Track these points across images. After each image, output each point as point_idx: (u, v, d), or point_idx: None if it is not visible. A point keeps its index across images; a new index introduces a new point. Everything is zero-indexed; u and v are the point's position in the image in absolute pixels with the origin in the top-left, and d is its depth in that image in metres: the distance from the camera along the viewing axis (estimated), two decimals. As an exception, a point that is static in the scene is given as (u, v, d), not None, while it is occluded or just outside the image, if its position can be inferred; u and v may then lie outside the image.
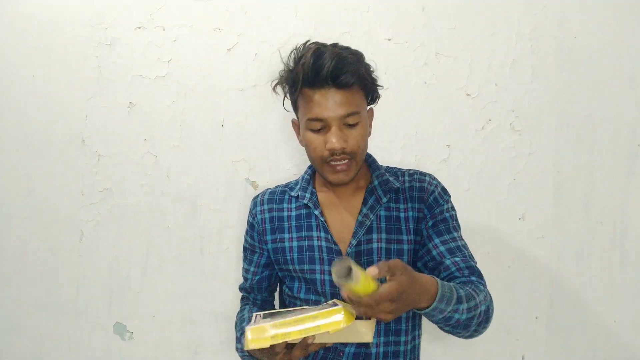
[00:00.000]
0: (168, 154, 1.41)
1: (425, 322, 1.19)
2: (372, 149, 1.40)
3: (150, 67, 1.41)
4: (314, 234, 1.08)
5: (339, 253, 1.05)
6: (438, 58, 1.41)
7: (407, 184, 1.10)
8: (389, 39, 1.40)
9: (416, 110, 1.41)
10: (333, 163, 1.01)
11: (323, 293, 1.05)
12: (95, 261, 1.43)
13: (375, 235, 1.06)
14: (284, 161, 1.41)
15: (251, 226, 1.16)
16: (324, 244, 1.06)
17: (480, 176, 1.42)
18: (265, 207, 1.14)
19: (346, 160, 1.01)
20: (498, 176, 1.42)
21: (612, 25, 1.42)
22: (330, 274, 1.02)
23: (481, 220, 1.42)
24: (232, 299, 1.41)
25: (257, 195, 1.18)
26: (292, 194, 1.13)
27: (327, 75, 0.96)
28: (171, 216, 1.42)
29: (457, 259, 1.02)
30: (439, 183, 1.11)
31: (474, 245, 1.42)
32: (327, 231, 1.07)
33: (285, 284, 1.13)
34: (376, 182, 1.10)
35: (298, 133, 1.10)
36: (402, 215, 1.08)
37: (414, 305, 0.82)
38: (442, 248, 1.04)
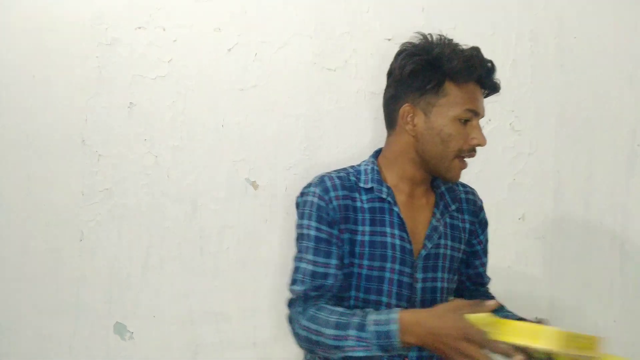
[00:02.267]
0: (168, 154, 1.42)
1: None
2: (372, 149, 1.40)
3: (151, 67, 1.41)
4: (387, 230, 1.03)
5: (411, 254, 1.03)
6: (438, 58, 1.41)
7: (462, 195, 1.14)
8: (389, 39, 1.40)
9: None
10: (464, 159, 1.03)
11: (388, 293, 1.02)
12: (96, 261, 1.43)
13: (443, 241, 1.07)
14: (284, 161, 1.42)
15: (326, 212, 1.03)
16: (397, 242, 1.03)
17: (480, 176, 1.42)
18: (340, 193, 1.04)
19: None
20: (498, 176, 1.42)
21: (612, 25, 1.42)
22: (399, 274, 1.02)
23: (481, 220, 1.42)
24: (233, 299, 1.41)
25: (323, 180, 1.06)
26: (363, 185, 1.06)
27: (493, 81, 1.03)
28: (171, 216, 1.42)
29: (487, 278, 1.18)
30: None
31: (474, 245, 1.42)
32: (403, 229, 1.03)
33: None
34: (443, 188, 1.12)
35: (410, 121, 1.03)
36: (461, 225, 1.11)
37: None
38: (486, 265, 1.16)
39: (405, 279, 1.03)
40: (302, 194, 1.08)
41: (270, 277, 1.43)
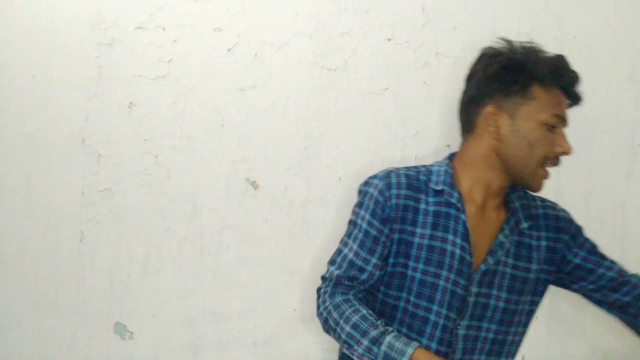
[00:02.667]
0: (168, 154, 1.41)
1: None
2: (372, 149, 1.40)
3: (151, 67, 1.41)
4: (449, 237, 1.00)
5: (469, 266, 1.00)
6: (438, 58, 1.41)
7: (540, 210, 1.09)
8: (389, 39, 1.40)
9: (416, 110, 1.41)
10: (547, 168, 1.00)
11: (440, 301, 0.99)
12: (96, 261, 1.43)
13: (504, 259, 1.02)
14: (284, 161, 1.41)
15: (382, 209, 1.01)
16: (458, 251, 1.00)
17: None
18: (403, 192, 1.02)
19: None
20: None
21: (612, 25, 1.42)
22: (453, 284, 0.99)
23: (481, 220, 1.42)
24: (233, 299, 1.41)
25: (390, 175, 1.04)
26: (433, 186, 1.03)
27: (577, 88, 1.01)
28: (171, 216, 1.42)
29: (632, 276, 1.09)
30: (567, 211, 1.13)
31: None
32: (466, 239, 1.00)
33: (385, 280, 1.04)
34: (517, 204, 1.06)
35: (494, 123, 1.00)
36: (534, 243, 1.06)
37: None
38: (616, 267, 1.09)
39: (459, 291, 1.00)
40: (366, 183, 1.07)
41: (270, 277, 1.43)
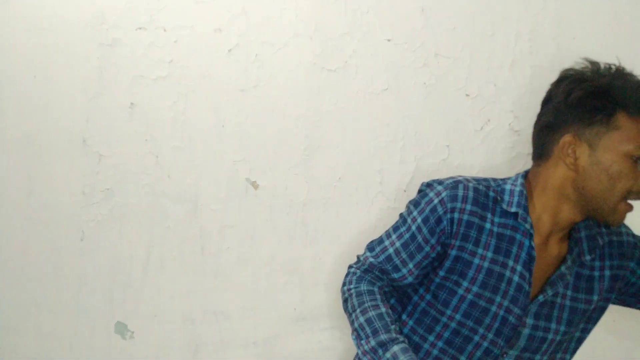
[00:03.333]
0: (169, 154, 1.42)
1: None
2: (372, 149, 1.40)
3: (152, 68, 1.41)
4: (510, 263, 0.95)
5: (527, 295, 0.95)
6: (437, 59, 1.41)
7: (605, 238, 1.02)
8: (389, 40, 1.41)
9: (416, 110, 1.42)
10: (630, 202, 0.92)
11: (488, 326, 0.96)
12: (96, 261, 1.43)
13: (562, 290, 0.98)
14: (284, 161, 1.42)
15: (437, 220, 0.96)
16: (516, 278, 0.95)
17: (479, 176, 1.42)
18: (468, 207, 0.96)
19: None
20: (498, 176, 1.42)
21: (611, 26, 1.43)
22: (506, 311, 0.95)
23: (481, 220, 1.42)
24: (233, 299, 1.41)
25: (458, 185, 0.98)
26: (506, 206, 0.96)
27: None
28: (172, 216, 1.42)
29: None
30: (630, 230, 1.06)
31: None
32: (528, 268, 0.95)
33: (431, 289, 1.00)
34: (583, 234, 1.00)
35: (572, 154, 0.93)
36: (596, 274, 1.01)
37: None
38: None
39: (512, 319, 0.96)
40: (429, 185, 1.03)
41: (270, 277, 1.43)
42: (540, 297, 0.96)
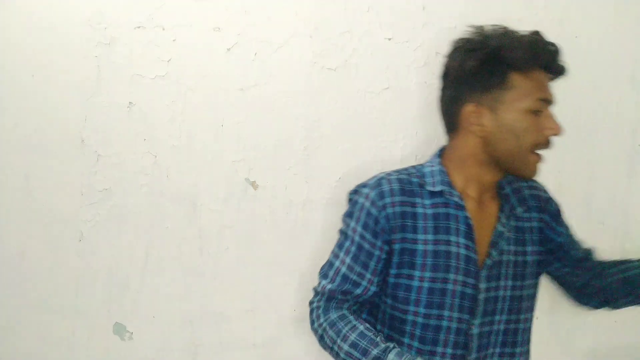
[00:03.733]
0: (168, 154, 1.41)
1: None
2: (372, 149, 1.40)
3: (150, 67, 1.40)
4: (452, 238, 0.97)
5: (475, 264, 0.97)
6: (438, 58, 1.40)
7: (526, 191, 1.07)
8: (389, 39, 1.40)
9: (416, 110, 1.41)
10: (539, 152, 0.96)
11: (451, 306, 0.96)
12: (95, 261, 1.43)
13: (506, 247, 1.01)
14: (284, 161, 1.41)
15: (375, 221, 0.97)
16: (462, 251, 0.97)
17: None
18: (397, 199, 0.97)
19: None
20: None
21: (613, 24, 1.42)
22: (462, 285, 0.96)
23: (481, 221, 1.42)
24: (232, 299, 1.41)
25: (381, 182, 1.00)
26: (430, 187, 0.99)
27: (559, 64, 0.98)
28: (171, 216, 1.41)
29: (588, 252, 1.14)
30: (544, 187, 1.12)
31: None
32: (470, 238, 0.97)
33: (389, 292, 1.00)
34: (509, 189, 1.05)
35: (476, 122, 0.97)
36: (527, 225, 1.04)
37: None
38: (581, 246, 1.13)
39: (469, 291, 0.97)
40: (356, 192, 1.03)
41: (270, 277, 1.42)
42: (488, 261, 0.98)
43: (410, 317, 0.97)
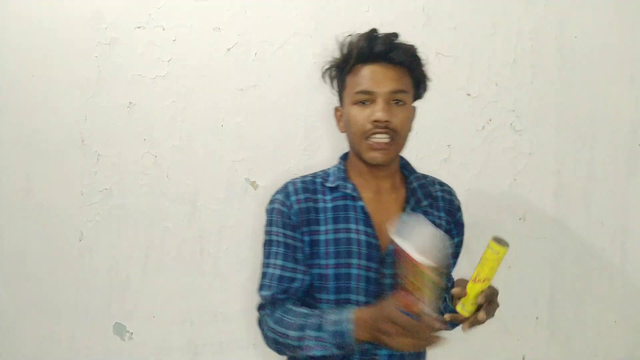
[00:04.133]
0: (168, 154, 1.41)
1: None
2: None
3: (150, 67, 1.40)
4: (352, 226, 1.03)
5: (377, 249, 1.02)
6: (438, 58, 1.40)
7: (439, 192, 1.12)
8: (389, 39, 1.40)
9: (416, 110, 1.41)
10: (373, 139, 1.00)
11: (356, 289, 1.01)
12: (95, 261, 1.43)
13: None
14: (283, 161, 1.41)
15: (288, 217, 1.05)
16: (363, 237, 1.02)
17: (480, 176, 1.41)
18: (301, 196, 1.06)
19: (387, 138, 1.00)
20: (498, 176, 1.42)
21: (613, 24, 1.42)
22: (366, 270, 1.01)
23: (481, 220, 1.42)
24: (232, 299, 1.41)
25: (287, 185, 1.09)
26: (329, 184, 1.08)
27: (380, 50, 1.00)
28: (171, 216, 1.41)
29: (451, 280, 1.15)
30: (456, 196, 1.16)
31: (474, 246, 1.41)
32: (369, 225, 1.03)
33: (312, 285, 1.06)
34: (415, 184, 1.10)
35: (339, 120, 1.09)
36: (436, 221, 1.08)
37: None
38: (453, 267, 1.15)
39: (372, 275, 1.02)
40: (270, 202, 1.10)
41: (270, 277, 1.42)
42: (390, 246, 1.02)
43: (324, 305, 1.03)
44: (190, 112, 1.41)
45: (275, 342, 1.01)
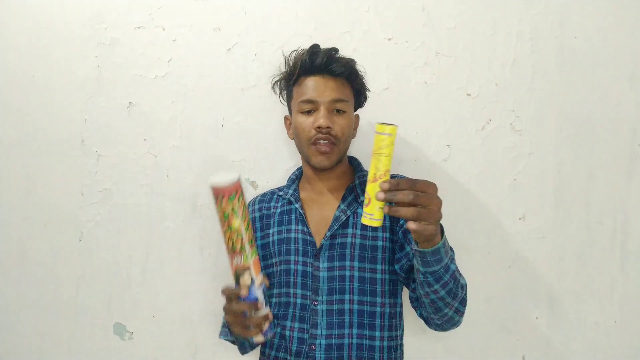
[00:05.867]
0: (168, 154, 1.41)
1: (422, 323, 1.18)
2: (372, 149, 1.40)
3: (150, 67, 1.40)
4: (292, 227, 1.15)
5: (313, 245, 1.12)
6: (438, 58, 1.40)
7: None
8: (389, 39, 1.40)
9: (416, 110, 1.41)
10: (318, 144, 1.10)
11: (294, 283, 1.11)
12: (95, 261, 1.43)
13: (350, 230, 1.12)
14: (284, 161, 1.41)
15: (253, 221, 1.23)
16: (300, 236, 1.13)
17: (480, 176, 1.41)
18: (257, 206, 1.24)
19: (328, 144, 1.09)
20: (498, 176, 1.42)
21: (613, 25, 1.42)
22: (302, 265, 1.11)
23: (481, 220, 1.42)
24: (232, 299, 1.41)
25: (251, 199, 1.27)
26: (279, 193, 1.23)
27: (321, 62, 1.10)
28: (171, 216, 1.42)
29: None
30: None
31: (474, 245, 1.42)
32: (304, 224, 1.14)
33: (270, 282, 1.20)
34: (357, 182, 1.18)
35: (289, 127, 1.21)
36: None
37: (435, 220, 0.82)
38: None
39: (308, 269, 1.11)
40: None
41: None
42: (322, 241, 1.11)
43: (274, 300, 1.15)
44: (190, 112, 1.41)
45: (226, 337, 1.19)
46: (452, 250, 1.00)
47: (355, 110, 1.21)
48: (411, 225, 0.79)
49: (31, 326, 1.44)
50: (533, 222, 1.42)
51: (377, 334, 1.10)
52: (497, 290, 1.42)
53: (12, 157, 1.43)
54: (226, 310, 0.95)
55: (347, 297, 1.09)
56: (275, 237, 1.16)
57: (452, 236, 1.40)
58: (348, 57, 1.16)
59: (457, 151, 1.41)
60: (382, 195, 0.78)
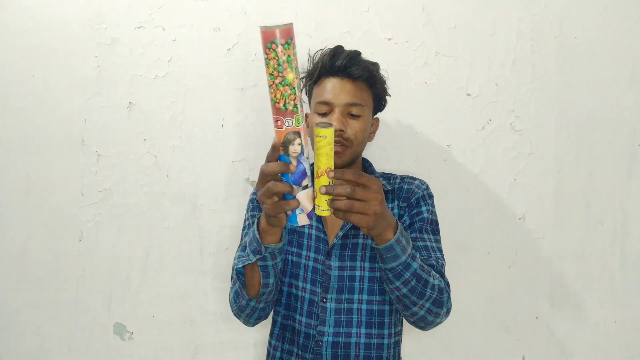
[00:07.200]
0: (168, 154, 1.41)
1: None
2: (372, 149, 1.40)
3: (150, 67, 1.40)
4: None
5: (325, 243, 1.12)
6: (438, 58, 1.40)
7: (397, 186, 1.18)
8: (389, 39, 1.40)
9: (416, 110, 1.41)
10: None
11: (304, 278, 1.12)
12: (95, 261, 1.43)
13: (361, 232, 1.12)
14: (283, 161, 1.41)
15: (256, 202, 1.18)
16: (314, 232, 1.14)
17: (480, 176, 1.41)
18: None
19: (342, 145, 1.08)
20: (498, 176, 1.42)
21: (613, 24, 1.42)
22: (314, 261, 1.11)
23: (481, 220, 1.42)
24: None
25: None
26: None
27: (340, 65, 1.09)
28: (171, 216, 1.41)
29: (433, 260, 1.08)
30: (427, 187, 1.18)
31: (475, 246, 1.42)
32: (319, 220, 1.14)
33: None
34: None
35: (307, 125, 1.18)
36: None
37: (385, 220, 0.85)
38: (428, 245, 1.11)
39: (319, 266, 1.11)
40: (251, 194, 1.22)
41: (270, 277, 1.42)
42: (335, 240, 1.11)
43: (285, 289, 1.14)
44: (190, 112, 1.41)
45: (235, 302, 1.08)
46: (415, 249, 1.04)
47: (375, 114, 1.18)
48: (344, 216, 0.82)
49: (31, 326, 1.44)
50: (533, 222, 1.42)
51: (386, 331, 1.11)
52: (497, 290, 1.42)
53: (12, 157, 1.43)
54: (266, 192, 0.82)
55: (356, 296, 1.10)
56: (288, 226, 1.15)
57: (452, 236, 1.40)
58: (371, 60, 1.13)
59: (457, 151, 1.41)
60: (324, 190, 0.82)
